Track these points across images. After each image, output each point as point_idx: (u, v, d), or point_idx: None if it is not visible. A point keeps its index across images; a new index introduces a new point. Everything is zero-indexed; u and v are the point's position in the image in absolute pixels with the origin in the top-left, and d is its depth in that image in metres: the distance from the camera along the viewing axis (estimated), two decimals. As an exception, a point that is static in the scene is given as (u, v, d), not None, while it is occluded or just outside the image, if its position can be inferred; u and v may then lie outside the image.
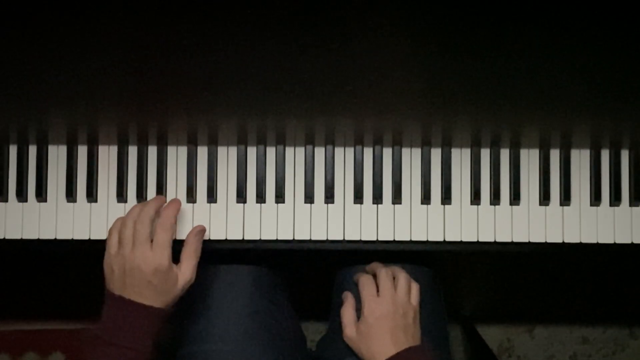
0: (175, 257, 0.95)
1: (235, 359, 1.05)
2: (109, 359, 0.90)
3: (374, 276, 1.03)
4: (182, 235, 1.00)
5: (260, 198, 1.04)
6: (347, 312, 1.02)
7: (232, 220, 1.04)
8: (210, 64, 0.84)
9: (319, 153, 1.05)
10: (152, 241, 0.93)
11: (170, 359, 1.04)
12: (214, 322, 1.06)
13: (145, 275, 0.91)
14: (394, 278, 1.02)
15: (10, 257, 1.57)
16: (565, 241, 1.04)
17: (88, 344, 0.92)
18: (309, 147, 1.04)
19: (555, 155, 1.05)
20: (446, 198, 1.04)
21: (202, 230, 0.99)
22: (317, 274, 1.40)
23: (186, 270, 0.94)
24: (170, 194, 1.04)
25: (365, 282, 1.02)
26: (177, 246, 0.95)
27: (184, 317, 1.00)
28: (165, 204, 0.97)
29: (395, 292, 1.00)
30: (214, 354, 1.05)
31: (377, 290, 1.01)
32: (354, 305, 1.03)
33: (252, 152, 1.04)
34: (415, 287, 1.02)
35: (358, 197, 1.04)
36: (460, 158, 1.05)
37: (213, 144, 1.04)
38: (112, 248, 0.94)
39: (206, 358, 1.05)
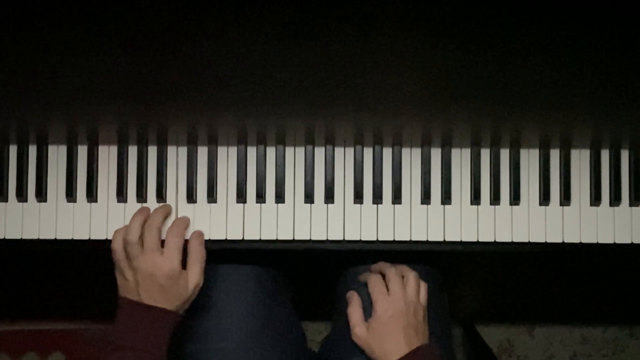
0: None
1: (238, 358, 1.05)
2: None
3: (382, 275, 1.04)
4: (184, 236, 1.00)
5: (260, 198, 1.04)
6: (355, 312, 1.02)
7: (232, 220, 1.04)
8: (210, 64, 0.84)
9: (319, 153, 1.05)
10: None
11: (174, 358, 1.04)
12: (217, 322, 1.06)
13: (158, 280, 0.93)
14: (402, 277, 1.03)
15: (10, 257, 1.57)
16: (565, 241, 1.04)
17: (101, 349, 0.92)
18: (309, 147, 1.04)
19: (555, 155, 1.05)
20: (446, 198, 1.04)
21: (202, 234, 1.01)
22: (317, 274, 1.40)
23: (194, 275, 0.96)
24: (170, 194, 1.04)
25: (375, 281, 1.02)
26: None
27: (187, 317, 1.00)
28: (178, 218, 1.01)
29: (405, 291, 1.00)
30: (218, 353, 1.05)
31: (387, 289, 1.01)
32: (361, 304, 1.03)
33: (252, 152, 1.04)
34: (423, 286, 1.03)
35: (358, 197, 1.04)
36: (460, 158, 1.05)
37: (213, 144, 1.04)
38: (120, 261, 0.96)
39: (209, 357, 1.05)
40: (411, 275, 1.02)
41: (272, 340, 1.07)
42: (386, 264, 1.06)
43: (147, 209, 1.01)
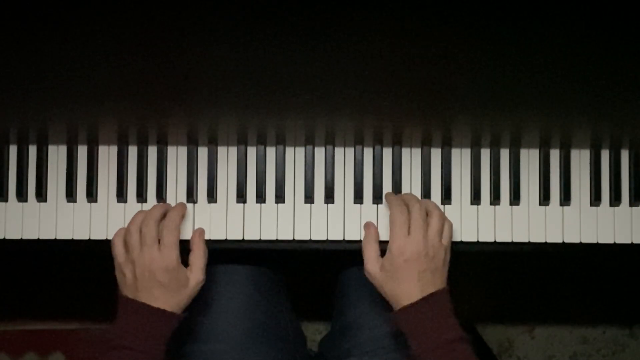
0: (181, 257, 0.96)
1: (233, 359, 1.05)
2: None
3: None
4: (184, 235, 1.00)
5: (260, 198, 1.04)
6: (370, 246, 0.96)
7: (232, 220, 1.04)
8: (210, 64, 0.84)
9: (319, 153, 1.05)
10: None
11: (170, 358, 1.04)
12: (213, 322, 1.06)
13: (155, 276, 0.92)
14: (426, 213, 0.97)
15: (10, 257, 1.57)
16: (565, 241, 1.04)
17: (100, 347, 0.92)
18: (309, 147, 1.04)
19: (555, 155, 1.05)
20: (446, 198, 1.04)
21: (204, 231, 1.01)
22: (317, 274, 1.40)
23: (197, 272, 0.96)
24: (170, 194, 1.04)
25: (398, 214, 0.95)
26: (181, 246, 0.97)
27: (184, 316, 1.00)
28: (172, 208, 1.00)
29: (427, 232, 0.94)
30: (213, 354, 1.05)
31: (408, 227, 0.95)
32: (377, 238, 0.98)
33: (252, 152, 1.04)
34: (448, 226, 0.97)
35: (358, 197, 1.04)
36: (460, 158, 1.05)
37: (213, 144, 1.04)
38: (119, 256, 0.95)
39: (205, 357, 1.05)
40: (435, 214, 0.96)
41: (267, 341, 1.07)
42: (413, 197, 0.99)
43: (167, 204, 1.02)
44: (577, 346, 1.66)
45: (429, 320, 0.92)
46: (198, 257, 0.97)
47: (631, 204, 1.05)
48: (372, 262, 0.95)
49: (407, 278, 0.92)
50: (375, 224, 1.03)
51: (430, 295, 0.92)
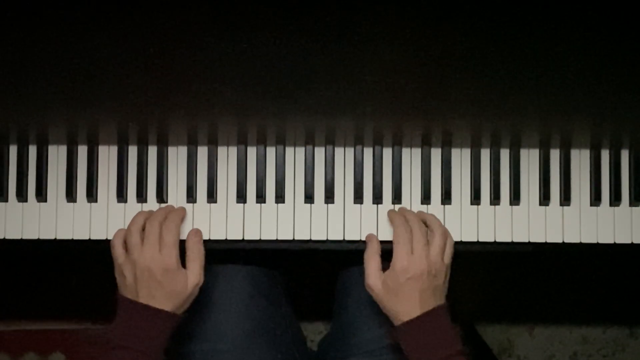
0: (181, 258, 0.96)
1: (232, 358, 1.05)
2: None
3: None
4: (183, 235, 1.00)
5: (260, 198, 1.04)
6: (371, 259, 0.96)
7: (232, 220, 1.04)
8: (210, 64, 0.84)
9: (319, 153, 1.05)
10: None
11: (170, 358, 1.04)
12: (213, 322, 1.06)
13: (155, 276, 0.92)
14: (427, 228, 0.98)
15: (10, 257, 1.57)
16: (565, 241, 1.04)
17: (99, 347, 0.92)
18: (309, 147, 1.04)
19: (555, 155, 1.05)
20: (446, 198, 1.04)
21: (199, 232, 1.01)
22: (317, 274, 1.40)
23: (193, 274, 0.96)
24: (170, 194, 1.04)
25: (401, 235, 0.96)
26: (181, 247, 0.97)
27: (183, 317, 1.01)
28: (173, 210, 1.00)
29: (429, 250, 0.95)
30: (213, 354, 1.05)
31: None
32: (379, 250, 0.98)
33: (252, 152, 1.04)
34: (450, 245, 0.98)
35: (358, 197, 1.04)
36: (460, 158, 1.05)
37: (213, 144, 1.04)
38: (119, 257, 0.95)
39: (204, 357, 1.05)
40: (438, 232, 0.97)
41: (267, 341, 1.07)
42: (412, 214, 1.00)
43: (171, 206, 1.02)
44: (577, 346, 1.66)
45: (428, 336, 0.92)
46: (194, 260, 0.97)
47: (631, 204, 1.05)
48: (373, 276, 0.95)
49: (409, 296, 0.93)
50: (375, 224, 1.03)
51: (430, 312, 0.93)
